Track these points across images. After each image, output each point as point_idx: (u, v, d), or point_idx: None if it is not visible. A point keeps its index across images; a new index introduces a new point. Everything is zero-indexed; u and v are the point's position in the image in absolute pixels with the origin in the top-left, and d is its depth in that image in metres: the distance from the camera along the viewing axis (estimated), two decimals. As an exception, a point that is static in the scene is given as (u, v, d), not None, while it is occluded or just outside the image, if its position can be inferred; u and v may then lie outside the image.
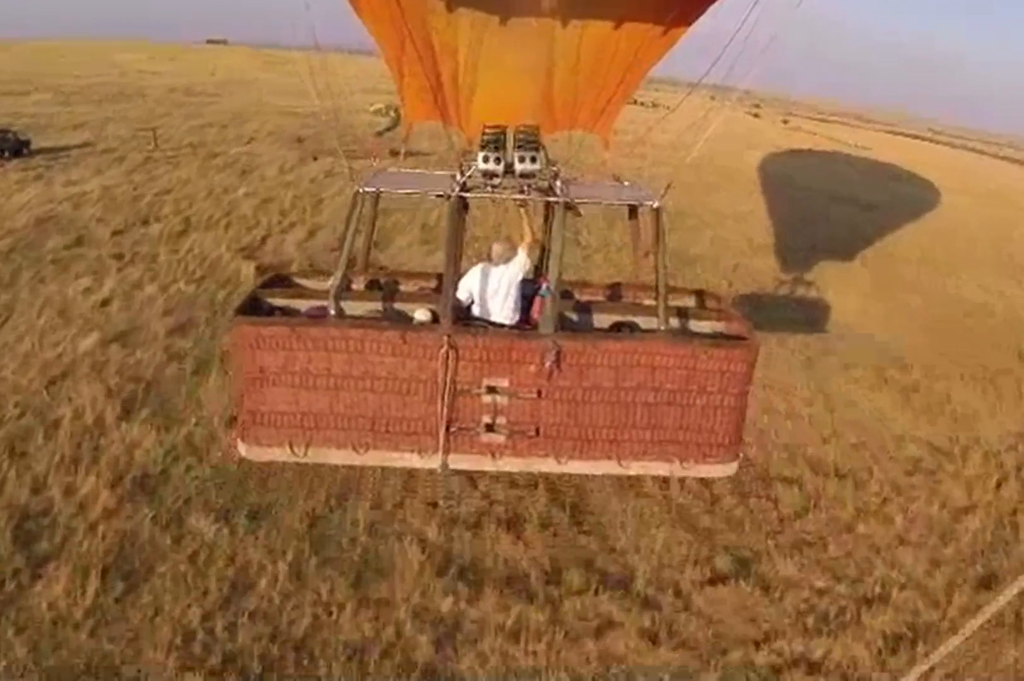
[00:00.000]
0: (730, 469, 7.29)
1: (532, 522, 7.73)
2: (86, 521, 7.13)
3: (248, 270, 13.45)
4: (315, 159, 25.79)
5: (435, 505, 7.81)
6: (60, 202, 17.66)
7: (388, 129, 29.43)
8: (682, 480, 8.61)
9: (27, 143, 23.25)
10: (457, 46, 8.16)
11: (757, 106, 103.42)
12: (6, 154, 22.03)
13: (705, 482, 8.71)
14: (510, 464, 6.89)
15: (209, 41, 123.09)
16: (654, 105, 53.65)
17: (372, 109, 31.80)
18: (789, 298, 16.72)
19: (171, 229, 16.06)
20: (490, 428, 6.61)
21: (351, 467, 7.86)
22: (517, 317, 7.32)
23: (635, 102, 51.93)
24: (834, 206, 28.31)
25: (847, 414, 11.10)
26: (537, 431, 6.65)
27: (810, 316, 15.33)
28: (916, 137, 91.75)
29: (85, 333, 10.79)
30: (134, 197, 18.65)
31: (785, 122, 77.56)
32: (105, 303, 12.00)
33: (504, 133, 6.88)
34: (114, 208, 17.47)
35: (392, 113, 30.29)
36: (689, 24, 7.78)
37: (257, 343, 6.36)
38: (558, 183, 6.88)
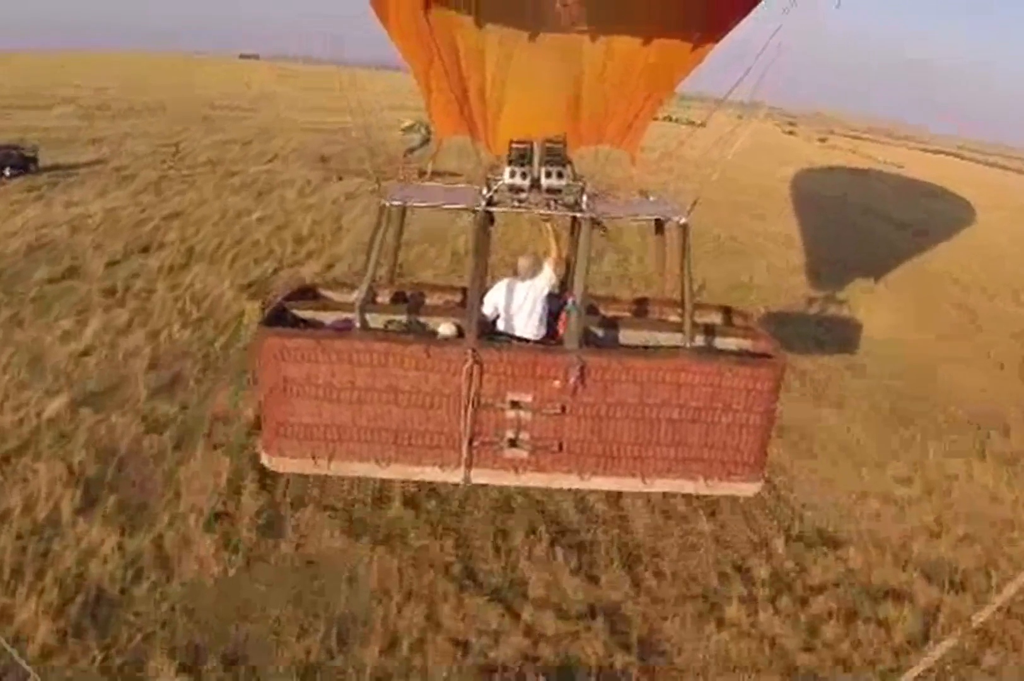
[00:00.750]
0: (755, 488, 7.07)
1: (591, 670, 6.03)
2: (17, 666, 5.49)
3: (252, 312, 11.82)
4: (339, 179, 24.28)
5: (466, 645, 6.12)
6: (58, 226, 16.14)
7: (420, 145, 27.99)
8: (773, 600, 7.09)
9: (34, 160, 21.81)
10: (485, 61, 7.98)
11: (792, 123, 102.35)
12: (6, 173, 20.54)
13: (802, 601, 7.16)
14: (533, 479, 6.75)
15: (242, 56, 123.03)
16: (690, 123, 51.79)
17: (403, 126, 30.37)
18: (830, 320, 15.65)
19: (172, 260, 14.44)
20: (513, 443, 6.50)
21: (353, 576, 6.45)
22: (542, 332, 7.16)
23: (670, 119, 50.48)
24: (879, 226, 26.97)
25: (949, 493, 9.56)
26: (560, 447, 6.53)
27: (866, 347, 13.83)
28: (946, 153, 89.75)
29: (55, 392, 9.20)
30: (138, 221, 17.07)
31: (823, 140, 75.73)
32: (85, 353, 10.40)
33: (531, 148, 6.71)
34: (114, 233, 15.89)
35: (423, 130, 28.93)
36: (717, 40, 7.58)
37: (282, 355, 6.29)
38: (584, 198, 6.72)
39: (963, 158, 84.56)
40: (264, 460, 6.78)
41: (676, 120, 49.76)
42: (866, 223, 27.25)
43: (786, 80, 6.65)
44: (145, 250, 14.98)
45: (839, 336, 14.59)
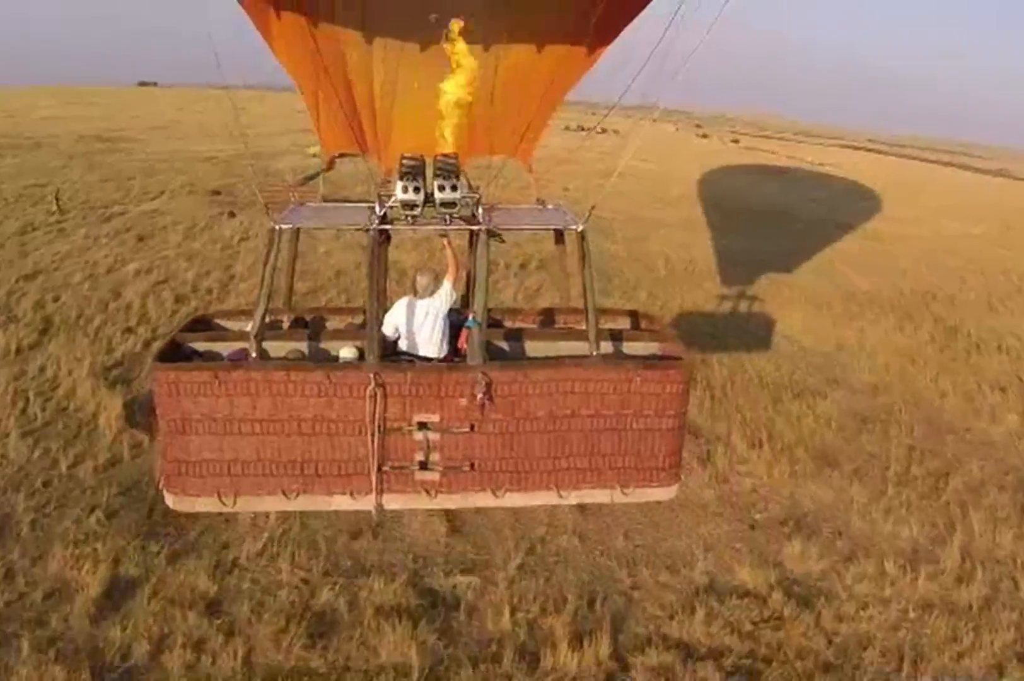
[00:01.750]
0: (670, 492, 6.97)
1: None
2: None
3: (112, 411, 9.20)
4: (232, 215, 21.58)
5: None
6: None
7: (317, 174, 25.54)
8: None
9: None
10: (373, 74, 7.86)
11: (699, 126, 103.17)
12: None
13: None
14: (447, 501, 6.66)
15: (141, 83, 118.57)
16: (603, 131, 50.32)
17: (311, 151, 28.09)
18: (809, 355, 13.73)
19: (22, 337, 11.56)
20: (424, 465, 6.40)
21: None
22: (446, 350, 7.06)
23: (581, 128, 48.96)
24: (827, 233, 25.40)
25: (1018, 590, 7.74)
26: (472, 465, 6.44)
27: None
28: (862, 149, 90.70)
29: None
30: (-11, 286, 14.16)
31: (736, 141, 75.46)
32: None
33: (423, 162, 6.61)
34: (-44, 306, 13.00)
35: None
36: (605, 44, 7.51)
37: (177, 390, 6.07)
38: (480, 210, 6.67)
39: (883, 153, 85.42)
40: (168, 500, 6.48)
41: (583, 129, 48.51)
42: (814, 230, 25.85)
43: (682, 81, 6.28)
44: (-10, 326, 12.16)
45: (826, 375, 12.86)
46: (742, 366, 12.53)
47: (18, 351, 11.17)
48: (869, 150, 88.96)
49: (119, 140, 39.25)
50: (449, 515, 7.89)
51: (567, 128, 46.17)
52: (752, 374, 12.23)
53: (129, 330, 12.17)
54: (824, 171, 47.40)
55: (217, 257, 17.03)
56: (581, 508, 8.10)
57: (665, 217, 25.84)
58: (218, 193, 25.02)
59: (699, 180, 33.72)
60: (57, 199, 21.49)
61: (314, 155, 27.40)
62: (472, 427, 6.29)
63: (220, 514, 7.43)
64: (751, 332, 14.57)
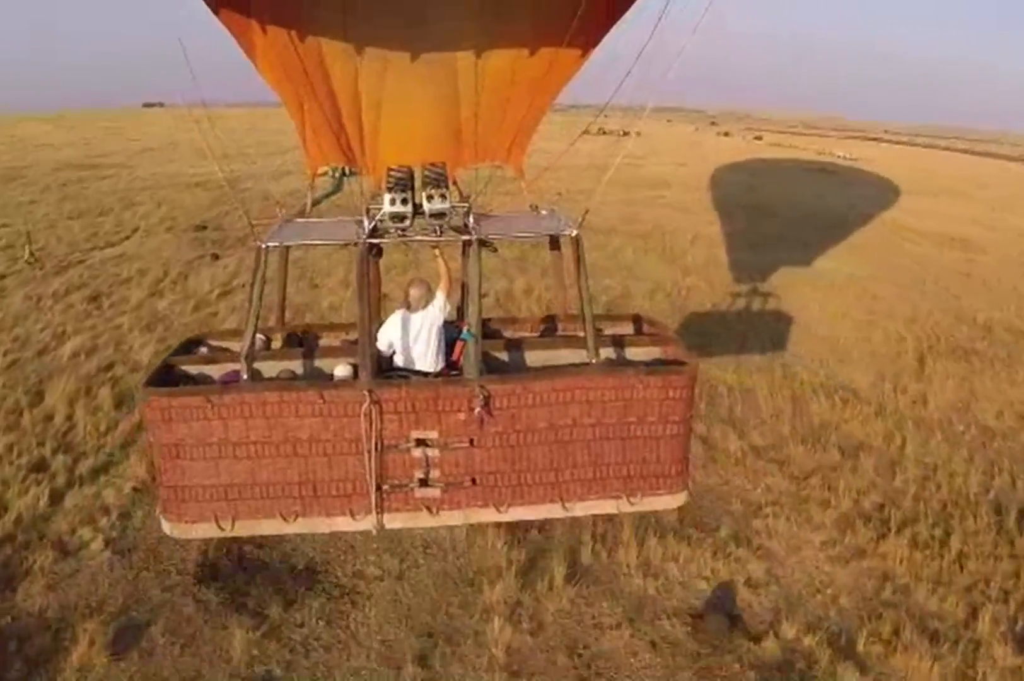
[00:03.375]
0: (679, 500, 6.65)
1: None
2: None
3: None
4: (215, 258, 18.16)
5: None
6: None
7: (326, 195, 22.83)
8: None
9: None
10: (359, 86, 7.60)
11: (714, 123, 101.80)
12: None
13: None
14: (449, 518, 6.34)
15: (146, 105, 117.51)
16: (624, 133, 47.99)
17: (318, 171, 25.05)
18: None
19: None
20: (424, 482, 6.14)
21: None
22: (442, 364, 6.79)
23: (602, 131, 46.40)
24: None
25: None
26: (474, 481, 6.19)
27: None
28: (876, 139, 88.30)
29: None
30: None
31: (759, 138, 72.95)
32: None
33: (411, 173, 6.43)
34: None
35: (334, 173, 24.28)
36: (591, 47, 7.37)
37: (170, 415, 5.84)
38: (471, 219, 6.48)
39: (897, 143, 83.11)
40: (165, 528, 6.19)
41: (605, 132, 45.87)
42: (886, 239, 23.23)
43: (674, 80, 6.20)
44: None
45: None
46: (926, 468, 8.96)
47: None
48: (886, 141, 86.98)
49: (106, 166, 36.45)
50: None
51: (587, 132, 43.05)
52: (944, 483, 8.69)
53: (38, 468, 8.34)
54: (861, 167, 45.25)
55: (186, 322, 13.34)
56: None
57: (730, 232, 22.41)
58: (203, 228, 21.79)
59: (743, 184, 31.79)
60: (30, 246, 17.98)
61: (323, 173, 24.50)
62: (471, 442, 6.07)
63: None
64: (908, 410, 10.95)
